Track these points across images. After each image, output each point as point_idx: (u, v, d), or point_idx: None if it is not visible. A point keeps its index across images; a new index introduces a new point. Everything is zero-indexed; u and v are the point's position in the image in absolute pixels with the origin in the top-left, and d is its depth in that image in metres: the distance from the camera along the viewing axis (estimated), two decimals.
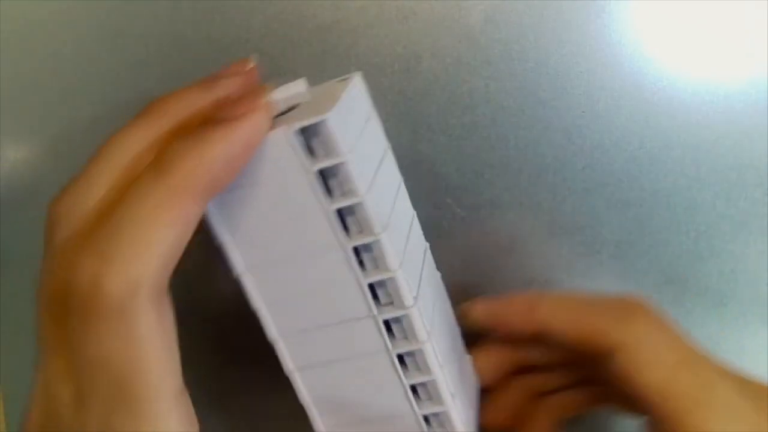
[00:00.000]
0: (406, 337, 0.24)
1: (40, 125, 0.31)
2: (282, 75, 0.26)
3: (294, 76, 0.30)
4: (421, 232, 0.28)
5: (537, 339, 0.27)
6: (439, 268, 0.30)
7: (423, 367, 0.25)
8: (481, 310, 0.28)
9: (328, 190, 0.22)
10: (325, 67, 0.30)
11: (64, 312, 0.19)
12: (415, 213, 0.28)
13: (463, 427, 0.26)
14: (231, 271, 0.23)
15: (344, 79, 0.26)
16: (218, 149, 0.19)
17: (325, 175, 0.22)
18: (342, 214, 0.22)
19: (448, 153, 0.31)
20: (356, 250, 0.23)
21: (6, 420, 0.32)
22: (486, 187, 0.31)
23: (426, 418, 0.26)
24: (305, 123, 0.21)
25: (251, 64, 0.24)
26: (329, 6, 0.30)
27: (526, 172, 0.31)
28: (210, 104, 0.22)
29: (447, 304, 0.29)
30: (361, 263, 0.23)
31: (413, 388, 0.25)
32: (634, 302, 0.26)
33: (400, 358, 0.25)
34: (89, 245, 0.19)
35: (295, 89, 0.25)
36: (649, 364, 0.24)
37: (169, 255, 0.19)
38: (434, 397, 0.25)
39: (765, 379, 0.32)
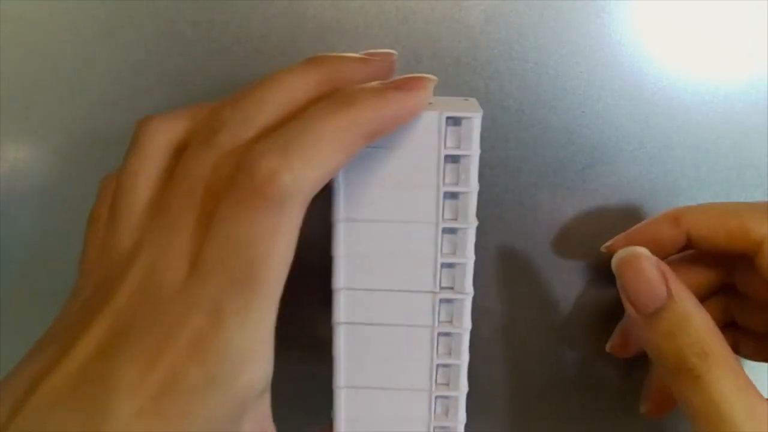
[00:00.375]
0: (451, 321, 0.27)
1: (40, 125, 0.31)
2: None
3: None
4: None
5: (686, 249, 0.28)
6: None
7: (454, 351, 0.27)
8: (624, 241, 0.29)
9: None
10: None
11: (215, 194, 0.21)
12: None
13: (464, 416, 0.28)
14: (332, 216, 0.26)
15: (466, 100, 0.28)
16: (393, 107, 0.23)
17: (447, 161, 0.25)
18: (445, 197, 0.26)
19: None
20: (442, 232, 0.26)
21: None
22: (486, 187, 0.31)
23: (435, 407, 0.28)
24: (459, 114, 0.25)
25: (394, 56, 0.26)
26: (329, 6, 0.30)
27: (526, 172, 0.31)
28: (365, 76, 0.25)
29: None
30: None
31: (437, 369, 0.27)
32: None
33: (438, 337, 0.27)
34: (274, 143, 0.21)
35: None
36: None
37: (330, 175, 0.22)
38: (452, 381, 0.27)
39: (766, 379, 0.32)
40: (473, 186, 0.26)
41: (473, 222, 0.26)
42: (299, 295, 0.29)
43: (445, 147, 0.25)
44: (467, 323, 0.27)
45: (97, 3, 0.30)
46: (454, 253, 0.26)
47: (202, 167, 0.22)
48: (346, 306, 0.27)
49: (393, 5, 0.30)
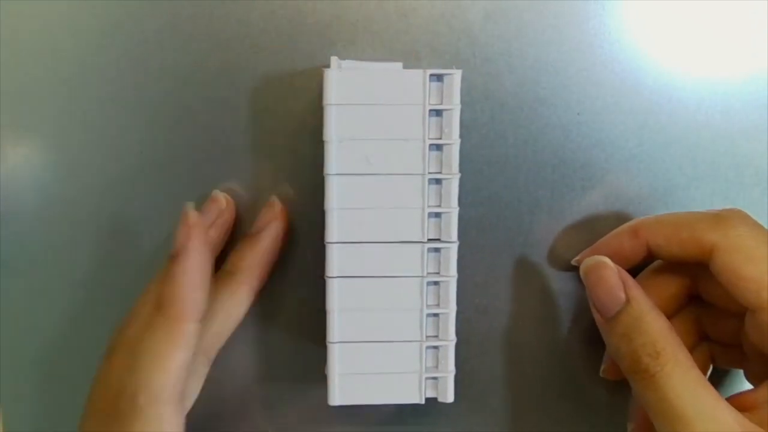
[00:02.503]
0: (438, 271, 0.28)
1: (40, 125, 0.31)
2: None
3: (294, 72, 0.30)
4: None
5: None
6: None
7: (443, 300, 0.28)
8: (590, 253, 0.30)
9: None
10: (324, 63, 0.30)
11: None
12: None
13: (453, 365, 0.29)
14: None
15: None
16: (178, 281, 0.25)
17: (430, 115, 0.27)
18: (430, 149, 0.27)
19: None
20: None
21: (5, 420, 0.32)
22: (485, 184, 0.31)
23: (426, 358, 0.29)
24: (441, 71, 0.27)
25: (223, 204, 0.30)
26: (328, 2, 0.30)
27: (524, 169, 0.31)
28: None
29: None
30: None
31: (426, 319, 0.28)
32: (730, 210, 0.27)
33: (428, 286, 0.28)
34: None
35: (393, 66, 0.29)
36: (747, 260, 0.25)
37: (182, 369, 0.25)
38: (442, 331, 0.29)
39: None
40: (455, 138, 0.28)
41: (456, 172, 0.28)
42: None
43: (429, 102, 0.27)
44: (454, 271, 0.28)
45: (96, 1, 0.30)
46: (439, 204, 0.28)
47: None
48: (339, 259, 0.28)
49: (392, 2, 0.30)
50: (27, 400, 0.32)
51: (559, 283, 0.32)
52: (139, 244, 0.31)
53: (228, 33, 0.30)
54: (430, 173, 0.28)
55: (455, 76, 0.27)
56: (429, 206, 0.28)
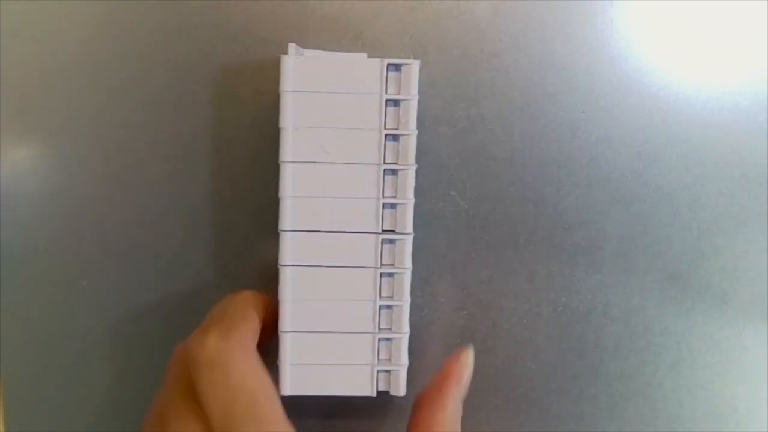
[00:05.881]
0: (393, 263, 0.28)
1: (40, 125, 0.30)
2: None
3: None
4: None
5: None
6: (441, 260, 0.30)
7: (397, 292, 0.28)
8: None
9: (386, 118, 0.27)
10: None
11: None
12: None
13: (406, 358, 0.28)
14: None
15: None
16: None
17: (388, 105, 0.27)
18: (387, 140, 0.27)
19: (452, 145, 0.31)
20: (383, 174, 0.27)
21: (6, 420, 0.32)
22: (490, 180, 0.31)
23: (379, 351, 0.28)
24: (399, 61, 0.27)
25: None
26: None
27: (530, 165, 0.31)
28: None
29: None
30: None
31: (379, 311, 0.28)
32: None
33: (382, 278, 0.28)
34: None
35: (357, 57, 0.29)
36: None
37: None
38: (395, 323, 0.28)
39: (766, 380, 0.32)
40: (412, 128, 0.27)
41: (413, 163, 0.27)
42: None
43: (386, 92, 0.27)
44: (408, 263, 0.28)
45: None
46: (395, 195, 0.28)
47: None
48: (292, 248, 0.27)
49: None
50: (27, 400, 0.32)
51: (563, 280, 0.32)
52: (139, 240, 0.31)
53: (235, 26, 0.30)
54: (386, 164, 0.27)
55: (413, 67, 0.27)
56: (385, 197, 0.27)
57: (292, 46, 0.28)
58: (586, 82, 0.31)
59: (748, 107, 0.31)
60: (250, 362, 0.25)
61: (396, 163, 0.27)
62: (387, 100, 0.27)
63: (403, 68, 0.27)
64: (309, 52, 0.29)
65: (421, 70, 0.29)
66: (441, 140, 0.31)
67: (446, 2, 0.30)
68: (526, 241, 0.32)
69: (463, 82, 0.31)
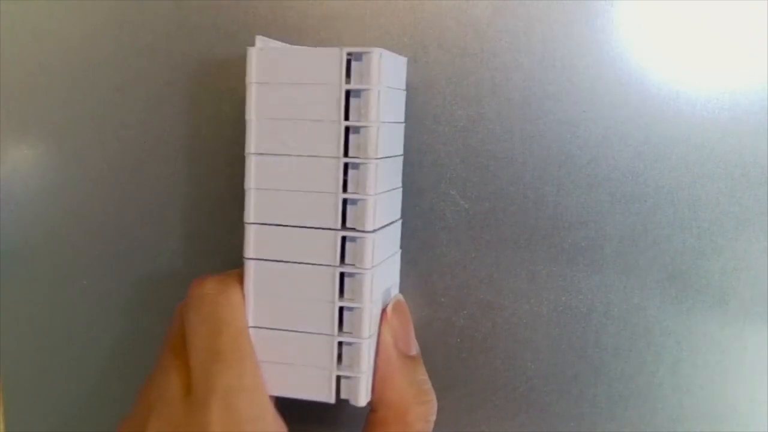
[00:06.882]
0: (353, 263, 0.27)
1: (40, 124, 0.30)
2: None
3: None
4: (399, 208, 0.30)
5: None
6: (442, 260, 0.30)
7: (357, 294, 0.27)
8: None
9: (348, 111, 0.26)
10: None
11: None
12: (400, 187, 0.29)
13: (367, 366, 0.27)
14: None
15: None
16: None
17: (349, 97, 0.26)
18: (348, 133, 0.26)
19: (452, 144, 0.31)
20: (345, 168, 0.26)
21: (6, 420, 0.32)
22: (490, 179, 0.31)
23: (340, 351, 0.27)
24: (358, 49, 0.25)
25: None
26: None
27: (530, 165, 0.31)
28: None
29: (396, 278, 0.31)
30: (344, 183, 0.26)
31: (341, 313, 0.27)
32: None
33: (342, 279, 0.27)
34: None
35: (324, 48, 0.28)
36: None
37: None
38: (355, 328, 0.27)
39: (766, 380, 0.32)
40: (373, 120, 0.26)
41: (373, 156, 0.26)
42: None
43: (348, 83, 0.26)
44: (368, 263, 0.26)
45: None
46: (356, 191, 0.26)
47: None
48: (256, 241, 0.27)
49: None
50: (27, 400, 0.32)
51: (563, 280, 0.32)
52: (139, 240, 0.31)
53: (236, 25, 0.30)
54: (348, 158, 0.26)
55: (373, 55, 0.25)
56: (348, 193, 0.26)
57: (259, 39, 0.27)
58: (586, 81, 0.31)
59: (748, 107, 0.31)
60: (241, 304, 0.26)
61: (357, 156, 0.26)
62: (350, 91, 0.26)
63: (364, 57, 0.26)
64: (274, 44, 0.28)
65: (421, 69, 0.29)
66: (441, 139, 0.31)
67: (446, 2, 0.30)
68: (526, 241, 0.32)
69: (463, 82, 0.31)
